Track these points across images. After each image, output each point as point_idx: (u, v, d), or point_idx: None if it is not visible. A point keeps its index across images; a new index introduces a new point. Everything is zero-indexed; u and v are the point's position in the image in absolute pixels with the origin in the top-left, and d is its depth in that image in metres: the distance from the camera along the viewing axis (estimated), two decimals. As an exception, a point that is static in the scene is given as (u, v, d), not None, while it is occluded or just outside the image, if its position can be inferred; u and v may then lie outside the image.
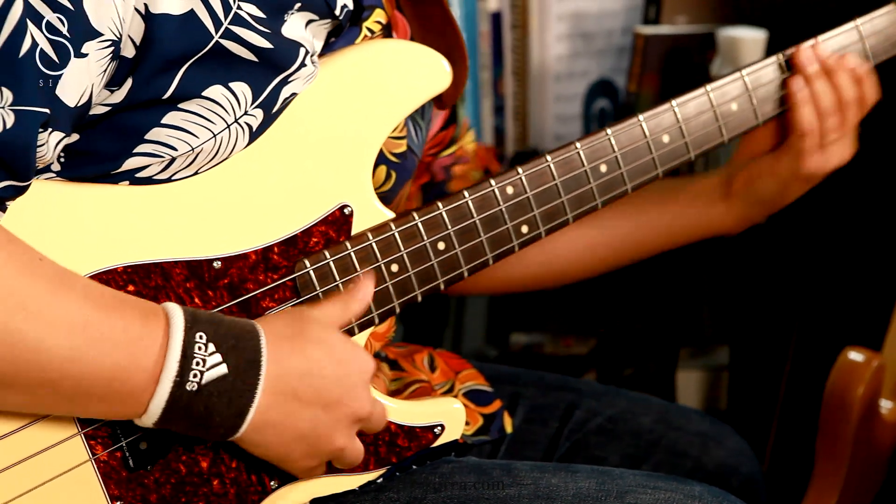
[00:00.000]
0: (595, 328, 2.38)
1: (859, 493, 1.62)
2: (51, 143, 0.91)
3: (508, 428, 1.29)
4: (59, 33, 0.89)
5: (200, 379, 0.91)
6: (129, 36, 0.92)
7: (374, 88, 1.05)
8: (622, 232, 1.33)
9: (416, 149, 1.16)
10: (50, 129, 0.90)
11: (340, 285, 1.05)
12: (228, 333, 0.94)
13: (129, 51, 0.93)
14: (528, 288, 1.39)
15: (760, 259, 1.97)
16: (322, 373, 0.97)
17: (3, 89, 0.86)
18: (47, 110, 0.89)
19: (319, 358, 0.97)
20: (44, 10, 0.88)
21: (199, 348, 0.92)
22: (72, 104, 0.91)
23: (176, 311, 0.93)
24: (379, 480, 1.09)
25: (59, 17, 0.88)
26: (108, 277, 0.97)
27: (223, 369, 0.92)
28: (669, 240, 1.34)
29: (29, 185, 0.91)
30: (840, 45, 1.27)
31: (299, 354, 0.96)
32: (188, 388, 0.91)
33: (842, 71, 1.25)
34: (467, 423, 1.23)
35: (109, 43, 0.91)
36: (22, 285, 0.86)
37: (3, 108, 0.86)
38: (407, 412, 1.09)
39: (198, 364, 0.91)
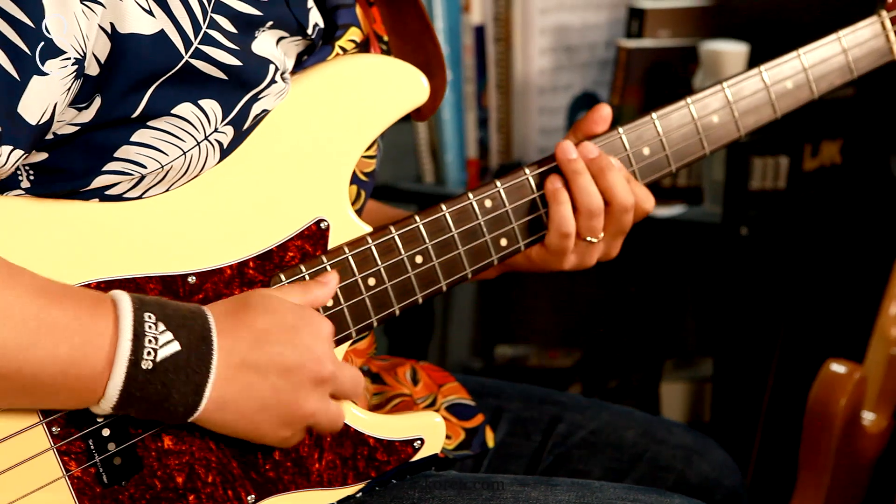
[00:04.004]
0: (581, 340, 2.38)
1: (842, 503, 1.62)
2: (10, 161, 0.91)
3: (490, 442, 1.28)
4: (20, 51, 0.89)
5: (155, 357, 0.92)
6: (93, 54, 0.92)
7: (350, 103, 1.05)
8: None
9: (377, 169, 1.16)
10: (10, 147, 0.90)
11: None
12: (176, 313, 0.94)
13: (93, 69, 0.93)
14: None
15: (744, 272, 1.98)
16: (273, 339, 0.97)
17: None
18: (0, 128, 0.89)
19: (268, 326, 0.97)
20: (4, 27, 0.88)
21: (150, 327, 0.92)
22: (33, 122, 0.91)
23: (122, 295, 0.94)
24: (358, 495, 1.09)
25: (20, 35, 0.88)
26: (82, 293, 0.96)
27: (176, 346, 0.93)
28: None
29: None
30: (822, 57, 1.27)
31: (248, 326, 0.97)
32: (143, 366, 0.92)
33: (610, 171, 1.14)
34: (449, 438, 1.23)
35: (73, 61, 0.91)
36: None
37: None
38: (386, 426, 1.09)
39: (150, 342, 0.92)
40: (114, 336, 0.92)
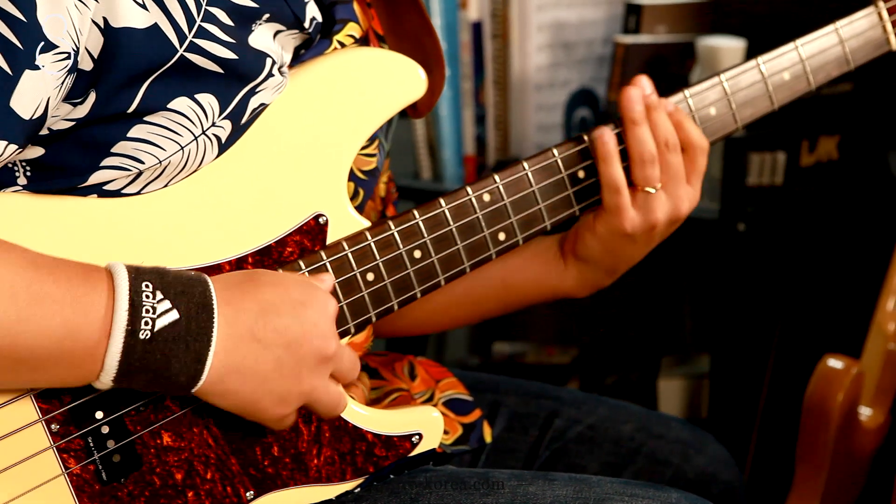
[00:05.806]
0: (579, 337, 2.38)
1: (839, 499, 1.63)
2: (3, 156, 0.91)
3: (488, 437, 1.28)
4: (12, 45, 0.89)
5: (153, 326, 0.91)
6: (86, 49, 0.92)
7: (348, 97, 1.05)
8: (461, 287, 1.24)
9: (380, 168, 1.16)
10: (5, 143, 0.90)
11: None
12: (175, 281, 0.94)
13: (86, 64, 0.93)
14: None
15: (741, 268, 1.98)
16: (279, 311, 0.97)
17: None
18: None
19: (274, 299, 0.97)
20: None
21: (147, 297, 0.92)
22: (26, 116, 0.91)
23: (118, 265, 0.93)
24: (356, 490, 1.09)
25: (12, 29, 0.88)
26: (81, 288, 0.96)
27: (174, 315, 0.92)
28: (511, 298, 1.28)
29: None
30: (819, 49, 1.27)
31: (252, 296, 0.96)
32: (141, 336, 0.91)
33: (659, 112, 1.16)
34: (446, 433, 1.23)
35: (65, 55, 0.91)
36: None
37: None
38: (384, 421, 1.09)
39: (147, 312, 0.91)
40: (109, 307, 0.91)
